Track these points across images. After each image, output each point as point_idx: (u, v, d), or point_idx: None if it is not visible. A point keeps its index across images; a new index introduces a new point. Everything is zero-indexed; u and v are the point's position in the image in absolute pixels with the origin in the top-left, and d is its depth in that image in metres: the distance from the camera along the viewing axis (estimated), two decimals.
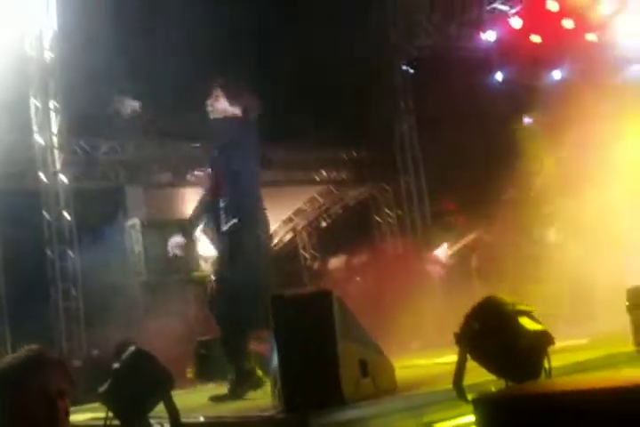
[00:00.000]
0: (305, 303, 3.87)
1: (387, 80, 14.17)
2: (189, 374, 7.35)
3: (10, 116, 10.68)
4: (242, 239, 5.25)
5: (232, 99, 5.48)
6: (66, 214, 10.97)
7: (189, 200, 13.36)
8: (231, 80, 5.67)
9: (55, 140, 11.21)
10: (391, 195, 14.75)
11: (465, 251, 10.26)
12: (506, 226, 10.28)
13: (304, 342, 3.67)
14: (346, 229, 13.19)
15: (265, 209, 5.51)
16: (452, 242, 10.34)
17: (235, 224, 5.27)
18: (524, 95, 12.27)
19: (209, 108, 5.55)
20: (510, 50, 12.68)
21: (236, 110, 5.50)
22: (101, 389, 4.16)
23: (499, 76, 13.62)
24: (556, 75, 13.15)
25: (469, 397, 3.00)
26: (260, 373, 5.10)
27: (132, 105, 5.92)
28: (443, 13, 13.40)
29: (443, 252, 10.37)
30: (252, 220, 5.35)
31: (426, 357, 5.82)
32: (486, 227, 10.12)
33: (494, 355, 3.19)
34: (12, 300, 10.36)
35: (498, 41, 13.13)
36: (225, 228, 5.34)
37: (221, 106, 5.48)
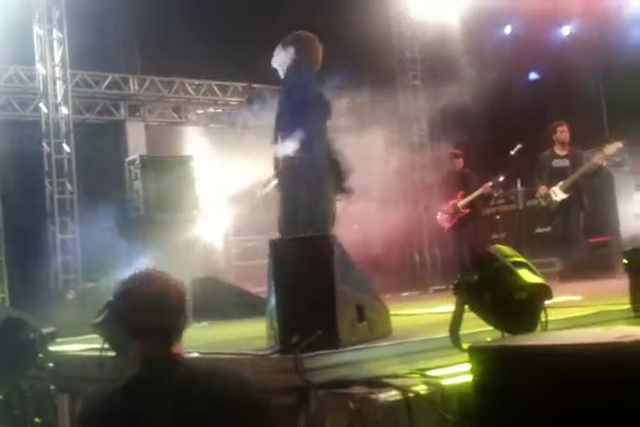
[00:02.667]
0: (305, 247, 3.88)
1: (395, 29, 14.04)
2: None
3: (12, 44, 10.55)
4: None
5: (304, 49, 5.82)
6: (65, 147, 10.93)
7: (189, 138, 13.32)
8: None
9: (57, 70, 11.09)
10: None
11: (477, 202, 10.27)
12: (513, 180, 10.29)
13: (302, 284, 3.69)
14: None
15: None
16: (463, 192, 10.34)
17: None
18: (532, 50, 12.15)
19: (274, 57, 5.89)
20: (520, 3, 12.49)
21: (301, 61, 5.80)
22: (96, 320, 4.19)
23: (507, 29, 13.46)
24: (565, 31, 13.00)
25: (465, 346, 3.04)
26: None
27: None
28: None
29: (453, 202, 10.37)
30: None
31: (422, 306, 5.86)
32: (494, 179, 10.12)
33: (491, 306, 3.21)
34: (9, 230, 10.38)
35: None
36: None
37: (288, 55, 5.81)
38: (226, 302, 6.72)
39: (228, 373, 2.87)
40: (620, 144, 9.09)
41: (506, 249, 3.45)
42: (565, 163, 9.46)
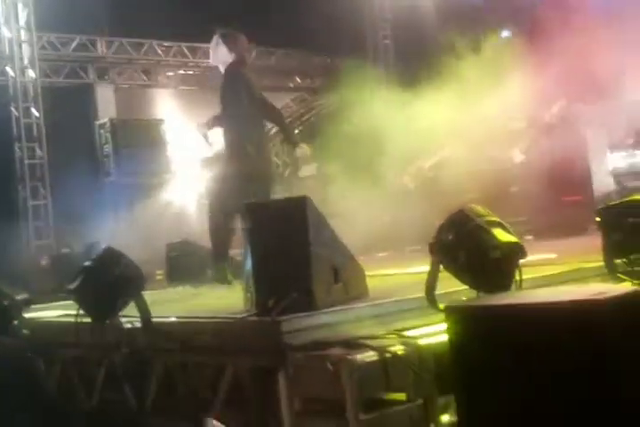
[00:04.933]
0: (279, 209, 3.86)
1: None
2: (159, 276, 7.40)
3: None
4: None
5: (231, 46, 6.20)
6: (34, 111, 10.77)
7: (160, 101, 13.17)
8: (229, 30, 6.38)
9: (23, 33, 10.89)
10: (363, 104, 14.61)
11: (440, 164, 10.25)
12: (478, 141, 10.29)
13: (277, 247, 3.68)
14: (318, 138, 13.09)
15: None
16: (428, 155, 10.33)
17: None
18: (503, 7, 12.08)
19: (210, 55, 6.40)
20: None
21: (232, 56, 6.17)
22: (72, 286, 4.17)
23: None
24: None
25: (441, 306, 3.06)
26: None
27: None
28: None
29: (421, 164, 10.36)
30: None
31: (396, 266, 5.88)
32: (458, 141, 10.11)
33: (466, 265, 3.22)
34: None
35: None
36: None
37: (221, 53, 6.20)
38: (201, 265, 6.70)
39: None
40: None
41: (480, 209, 3.45)
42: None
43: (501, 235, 3.32)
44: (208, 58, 13.05)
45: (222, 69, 6.20)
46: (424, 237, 3.67)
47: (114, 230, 7.85)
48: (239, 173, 5.99)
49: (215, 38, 6.27)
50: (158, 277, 7.33)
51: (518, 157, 9.31)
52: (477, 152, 10.60)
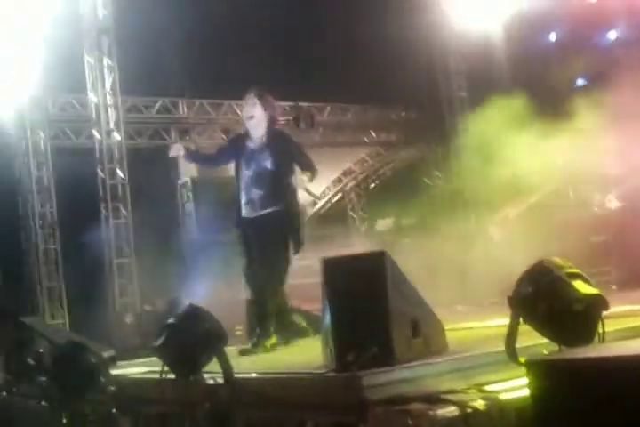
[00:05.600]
0: (357, 264, 3.89)
1: (438, 40, 13.97)
2: (239, 331, 7.46)
3: (65, 74, 10.80)
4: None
5: (266, 106, 6.05)
6: (119, 172, 11.13)
7: None
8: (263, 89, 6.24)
9: (109, 98, 11.33)
10: (440, 157, 14.65)
11: (528, 212, 10.12)
12: (563, 189, 10.16)
13: (356, 301, 3.70)
14: (394, 191, 13.16)
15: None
16: (514, 203, 10.22)
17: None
18: (578, 57, 12.01)
19: (247, 115, 6.08)
20: (565, 9, 12.38)
21: (266, 115, 6.02)
22: (157, 342, 4.26)
23: (552, 36, 13.34)
24: (612, 35, 12.83)
25: (521, 359, 3.02)
26: (304, 324, 5.89)
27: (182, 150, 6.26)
28: None
29: (509, 212, 10.25)
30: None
31: (476, 320, 5.81)
32: (545, 189, 9.99)
33: (548, 318, 3.19)
34: (68, 255, 10.57)
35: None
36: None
37: (258, 113, 6.00)
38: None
39: None
40: None
41: (559, 260, 3.42)
42: None
43: (582, 287, 3.28)
44: (285, 115, 13.41)
45: (252, 127, 6.04)
46: (505, 289, 3.65)
47: (194, 288, 7.98)
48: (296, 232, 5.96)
49: (251, 97, 6.09)
50: (238, 333, 7.40)
51: (613, 203, 9.16)
52: (568, 198, 10.48)
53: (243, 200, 5.94)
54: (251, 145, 6.01)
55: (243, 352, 5.50)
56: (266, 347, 5.62)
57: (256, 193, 5.87)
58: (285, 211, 5.83)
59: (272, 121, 6.12)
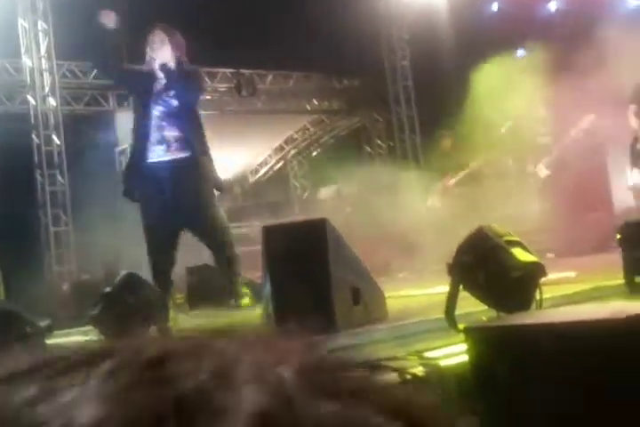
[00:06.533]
0: (298, 232, 3.88)
1: (382, 10, 13.90)
2: (179, 300, 7.41)
3: None
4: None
5: (175, 45, 5.70)
6: (55, 138, 10.88)
7: None
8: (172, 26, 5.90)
9: (44, 62, 11.03)
10: (383, 125, 14.67)
11: (467, 180, 10.21)
12: (502, 158, 10.28)
13: (297, 269, 3.70)
14: (336, 160, 13.15)
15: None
16: (452, 172, 10.30)
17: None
18: (519, 27, 12.07)
19: (150, 52, 5.74)
20: None
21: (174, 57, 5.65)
22: (93, 312, 4.20)
23: (494, 6, 13.39)
24: (552, 6, 12.94)
25: (460, 326, 3.04)
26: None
27: (113, 20, 5.81)
28: None
29: (446, 182, 10.33)
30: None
31: (417, 287, 5.86)
32: (484, 158, 10.09)
33: (486, 286, 3.22)
34: (1, 224, 10.33)
35: None
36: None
37: (166, 52, 5.66)
38: (220, 289, 6.71)
39: None
40: None
41: (498, 228, 3.45)
42: None
43: (521, 254, 3.31)
44: (227, 82, 13.24)
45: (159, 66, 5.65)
46: (445, 257, 3.67)
47: (133, 255, 7.87)
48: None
49: (158, 34, 5.75)
50: (178, 301, 7.35)
51: (543, 171, 9.28)
52: (505, 167, 10.61)
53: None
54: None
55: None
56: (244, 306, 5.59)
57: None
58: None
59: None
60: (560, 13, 12.64)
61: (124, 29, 5.64)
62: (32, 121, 10.87)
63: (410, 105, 14.15)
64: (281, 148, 15.82)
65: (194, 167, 5.50)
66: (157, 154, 5.53)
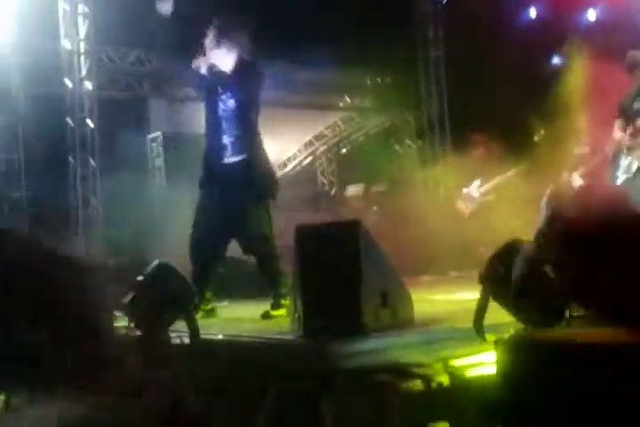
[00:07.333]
0: (331, 232, 3.91)
1: (416, 7, 13.87)
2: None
3: (38, 19, 10.55)
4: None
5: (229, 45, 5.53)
6: (89, 122, 10.97)
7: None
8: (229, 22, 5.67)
9: (82, 46, 11.11)
10: (413, 125, 14.63)
11: (500, 189, 10.15)
12: (535, 167, 10.22)
13: (328, 269, 3.72)
14: (365, 158, 13.15)
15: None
16: (483, 178, 10.24)
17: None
18: (556, 33, 12.01)
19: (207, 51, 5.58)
20: None
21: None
22: (124, 299, 4.25)
23: (532, 13, 13.33)
24: (591, 15, 12.84)
25: (489, 337, 3.07)
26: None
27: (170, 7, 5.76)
28: None
29: (475, 188, 10.28)
30: None
31: (440, 292, 5.88)
32: (517, 167, 10.03)
33: (518, 299, 3.23)
34: (32, 208, 10.44)
35: None
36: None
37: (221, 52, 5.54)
38: (248, 281, 6.76)
39: None
40: None
41: (531, 242, 3.45)
42: None
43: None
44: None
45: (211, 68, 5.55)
46: (467, 263, 3.69)
47: (163, 244, 7.94)
48: None
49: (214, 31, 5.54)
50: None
51: (577, 181, 9.21)
52: (539, 176, 10.55)
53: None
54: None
55: (264, 316, 5.11)
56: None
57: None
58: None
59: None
60: (599, 23, 12.56)
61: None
62: (67, 104, 10.96)
63: (442, 105, 14.08)
64: (310, 143, 15.82)
65: (244, 174, 5.49)
66: (219, 155, 5.58)
